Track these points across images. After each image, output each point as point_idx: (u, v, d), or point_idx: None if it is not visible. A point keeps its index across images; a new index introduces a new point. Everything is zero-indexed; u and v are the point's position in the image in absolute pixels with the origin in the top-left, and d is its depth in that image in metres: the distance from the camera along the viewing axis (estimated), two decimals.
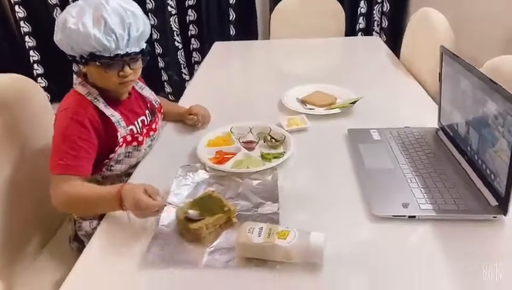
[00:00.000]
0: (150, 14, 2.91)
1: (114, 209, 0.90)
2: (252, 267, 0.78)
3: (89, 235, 1.13)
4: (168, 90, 3.20)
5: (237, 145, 1.17)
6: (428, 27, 1.60)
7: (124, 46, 0.97)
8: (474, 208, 0.86)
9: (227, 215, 0.89)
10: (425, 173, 0.98)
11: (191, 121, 1.29)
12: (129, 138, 1.08)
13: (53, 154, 0.98)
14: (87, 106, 1.01)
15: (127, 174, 1.13)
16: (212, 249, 0.83)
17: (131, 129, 1.09)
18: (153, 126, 1.18)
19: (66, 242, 1.21)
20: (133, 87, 1.16)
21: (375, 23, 3.02)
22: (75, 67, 2.73)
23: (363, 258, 0.79)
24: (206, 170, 1.07)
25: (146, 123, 1.16)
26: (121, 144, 1.06)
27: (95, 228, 1.11)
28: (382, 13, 2.98)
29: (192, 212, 0.87)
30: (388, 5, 2.93)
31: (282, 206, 0.93)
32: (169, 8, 2.93)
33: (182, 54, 3.09)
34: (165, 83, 3.18)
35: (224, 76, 1.82)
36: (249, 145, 1.17)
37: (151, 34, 3.01)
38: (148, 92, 1.21)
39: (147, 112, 1.19)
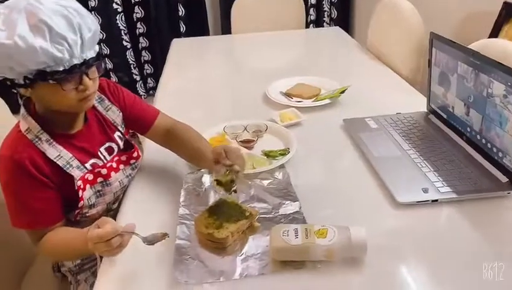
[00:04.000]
0: (93, 12, 2.69)
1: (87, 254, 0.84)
2: (291, 271, 0.73)
3: (72, 272, 1.02)
4: None
5: (235, 146, 1.10)
6: (396, 15, 1.65)
7: (79, 52, 0.78)
8: (487, 186, 0.89)
9: (249, 220, 0.83)
10: (431, 157, 1.00)
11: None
12: (90, 177, 0.89)
13: (8, 206, 0.84)
14: (26, 149, 0.82)
15: (108, 210, 0.97)
16: (243, 256, 0.77)
17: (93, 163, 0.90)
18: (134, 154, 0.99)
19: (47, 270, 1.06)
20: (95, 108, 0.95)
21: (325, 14, 3.09)
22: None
23: (400, 246, 0.79)
24: (211, 174, 1.00)
25: (117, 150, 0.97)
26: (82, 186, 0.87)
27: (78, 265, 1.01)
28: (331, 4, 3.06)
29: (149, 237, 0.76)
30: None
31: (301, 204, 0.89)
32: (115, 6, 2.73)
33: (131, 53, 2.91)
34: None
35: (195, 75, 1.73)
36: (247, 144, 1.11)
37: None
38: (114, 114, 0.98)
39: (117, 135, 0.98)
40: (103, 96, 0.97)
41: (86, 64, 0.80)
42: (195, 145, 0.98)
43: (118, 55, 2.87)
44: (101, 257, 0.79)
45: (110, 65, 2.89)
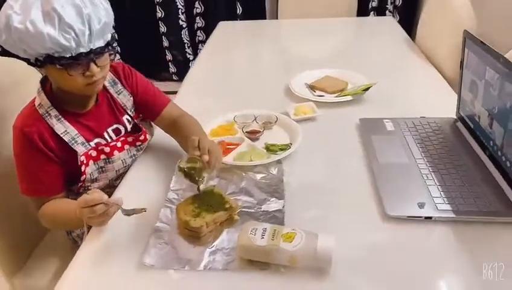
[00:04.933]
0: None
1: (80, 226, 0.84)
2: (254, 270, 0.73)
3: (79, 237, 1.09)
4: (173, 70, 3.12)
5: (240, 136, 1.10)
6: (447, 6, 1.50)
7: (86, 42, 0.81)
8: (496, 209, 0.80)
9: (228, 212, 0.83)
10: (442, 169, 0.92)
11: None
12: (94, 153, 0.94)
13: (17, 174, 0.92)
14: (36, 122, 0.89)
15: (111, 186, 1.01)
16: (213, 248, 0.78)
17: (97, 143, 0.96)
18: (141, 137, 1.03)
19: (62, 234, 1.16)
20: (107, 91, 1.00)
21: (389, 1, 2.88)
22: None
23: (374, 262, 0.73)
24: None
25: (124, 132, 1.02)
26: (85, 162, 0.93)
27: (83, 232, 1.07)
28: None
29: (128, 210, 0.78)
30: None
31: (287, 203, 0.87)
32: None
33: (186, 33, 2.99)
34: (170, 63, 3.09)
35: (228, 58, 1.74)
36: (253, 135, 1.10)
37: (155, 12, 2.93)
38: (125, 98, 1.02)
39: (126, 118, 1.03)
40: (116, 80, 1.02)
41: (94, 52, 0.83)
42: None
43: (174, 33, 2.96)
44: (89, 229, 0.85)
45: (166, 43, 3.01)
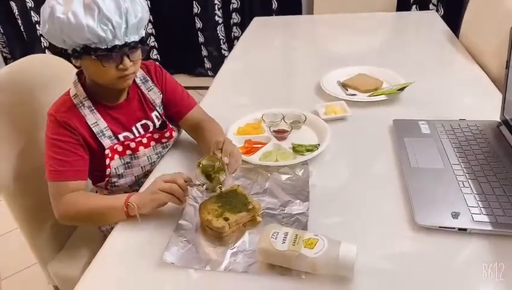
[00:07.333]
0: None
1: (120, 218, 0.86)
2: (274, 275, 0.71)
3: (108, 232, 1.10)
4: (208, 66, 3.15)
5: (267, 135, 1.08)
6: (494, 1, 1.39)
7: (122, 35, 0.85)
8: None
9: (251, 213, 0.82)
10: (481, 176, 0.85)
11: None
12: (120, 148, 0.97)
13: (45, 160, 0.92)
14: (69, 110, 0.93)
15: (137, 183, 1.03)
16: (234, 249, 0.77)
17: (125, 136, 0.99)
18: (166, 134, 1.04)
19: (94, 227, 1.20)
20: (138, 87, 1.03)
21: None
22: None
23: (400, 274, 0.70)
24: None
25: (152, 128, 1.04)
26: (110, 155, 0.96)
27: (112, 227, 1.08)
28: None
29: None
30: None
31: (312, 206, 0.84)
32: None
33: (222, 28, 3.00)
34: (205, 59, 3.12)
35: (261, 54, 1.72)
36: (280, 134, 1.08)
37: (191, 7, 2.96)
38: (155, 95, 1.04)
39: (155, 114, 1.05)
40: (148, 78, 1.05)
41: (128, 46, 0.87)
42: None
43: (209, 29, 2.98)
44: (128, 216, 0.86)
45: (202, 39, 3.03)
